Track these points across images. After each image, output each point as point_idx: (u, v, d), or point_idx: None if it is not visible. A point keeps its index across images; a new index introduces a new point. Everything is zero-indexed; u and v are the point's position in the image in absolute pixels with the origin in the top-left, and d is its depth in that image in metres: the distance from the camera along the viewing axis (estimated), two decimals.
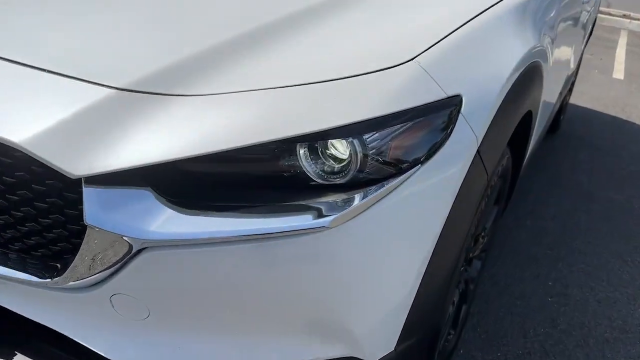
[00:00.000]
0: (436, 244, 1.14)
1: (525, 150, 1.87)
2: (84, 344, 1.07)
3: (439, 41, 1.15)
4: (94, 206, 0.90)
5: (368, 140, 0.99)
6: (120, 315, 1.04)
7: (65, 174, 0.88)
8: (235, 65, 1.01)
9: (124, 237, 0.90)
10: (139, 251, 0.93)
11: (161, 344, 1.06)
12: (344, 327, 1.07)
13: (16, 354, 1.17)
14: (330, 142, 0.99)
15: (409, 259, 1.11)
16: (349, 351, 1.11)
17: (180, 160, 0.91)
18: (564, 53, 2.39)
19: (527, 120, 1.71)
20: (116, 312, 1.04)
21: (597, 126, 4.63)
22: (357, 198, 0.98)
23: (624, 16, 9.63)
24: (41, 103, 0.93)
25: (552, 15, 1.89)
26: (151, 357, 1.06)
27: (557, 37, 2.00)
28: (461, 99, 1.13)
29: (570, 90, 4.24)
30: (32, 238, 1.04)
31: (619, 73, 6.45)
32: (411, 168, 1.03)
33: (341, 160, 1.00)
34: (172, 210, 0.93)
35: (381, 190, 1.00)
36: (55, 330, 1.09)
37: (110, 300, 1.02)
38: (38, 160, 0.90)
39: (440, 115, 1.08)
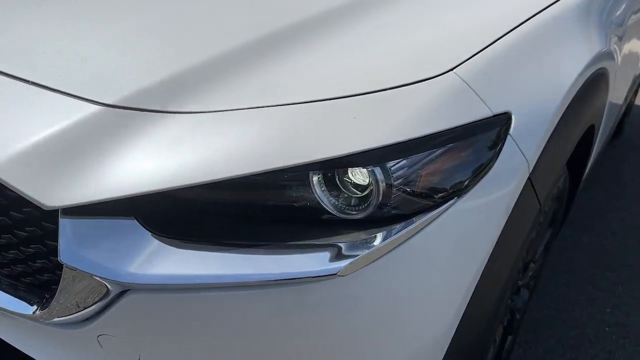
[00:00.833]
0: (476, 285, 0.97)
1: (585, 167, 1.65)
2: None
3: (484, 49, 0.97)
4: (70, 241, 0.78)
5: (393, 168, 0.83)
6: (109, 356, 0.93)
7: (37, 204, 0.77)
8: (239, 78, 0.87)
9: (102, 280, 0.78)
10: (122, 292, 0.81)
11: None
12: None
13: None
14: (350, 169, 0.84)
15: (443, 302, 0.95)
16: None
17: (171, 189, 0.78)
18: (633, 51, 2.13)
19: (589, 134, 1.50)
20: (105, 352, 0.93)
21: None
22: (379, 238, 0.82)
23: None
24: (18, 120, 0.82)
25: (621, 9, 1.65)
26: None
27: (626, 34, 1.77)
28: (510, 117, 0.95)
29: (637, 91, 3.91)
30: (19, 266, 0.94)
31: None
32: (446, 202, 0.87)
33: (361, 191, 0.84)
34: (159, 247, 0.80)
35: (409, 228, 0.84)
36: None
37: (98, 340, 0.91)
38: None
39: (484, 138, 0.91)
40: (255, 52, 0.91)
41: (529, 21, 1.08)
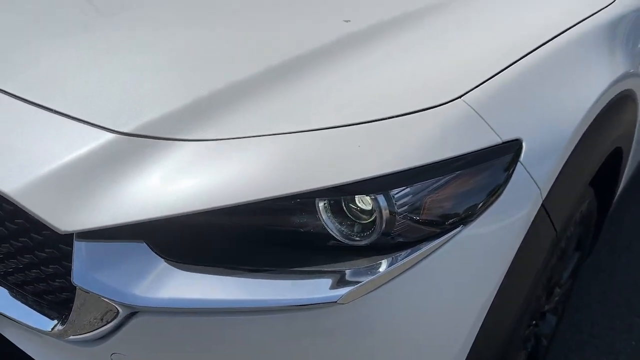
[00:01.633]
0: (486, 314, 0.96)
1: (615, 189, 1.61)
2: None
3: (495, 75, 0.96)
4: (83, 264, 0.82)
5: (397, 196, 0.83)
6: None
7: (53, 228, 0.81)
8: (248, 107, 0.90)
9: (111, 302, 0.81)
10: (132, 314, 0.84)
11: None
12: None
13: None
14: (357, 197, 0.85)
15: (450, 332, 0.94)
16: None
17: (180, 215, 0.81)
18: None
19: (616, 157, 1.46)
20: None
21: None
22: (383, 265, 0.83)
23: None
24: (36, 146, 0.86)
25: None
26: None
27: None
28: (521, 144, 0.94)
29: None
30: (40, 284, 0.98)
31: None
32: (452, 229, 0.86)
33: (365, 217, 0.85)
34: (166, 270, 0.83)
35: (414, 255, 0.84)
36: None
37: (111, 358, 0.94)
38: None
39: (492, 166, 0.91)
40: (264, 82, 0.94)
41: (544, 46, 1.07)
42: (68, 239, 0.85)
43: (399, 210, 0.83)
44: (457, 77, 0.96)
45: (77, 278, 0.82)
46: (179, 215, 0.80)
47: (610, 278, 2.47)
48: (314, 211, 0.84)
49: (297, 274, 0.82)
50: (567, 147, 1.01)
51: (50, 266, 0.92)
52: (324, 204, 0.85)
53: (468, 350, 0.97)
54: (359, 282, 0.79)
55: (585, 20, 1.22)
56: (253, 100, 0.91)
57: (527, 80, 1.00)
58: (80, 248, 0.82)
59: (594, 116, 1.09)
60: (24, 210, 0.87)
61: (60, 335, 0.94)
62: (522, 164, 0.93)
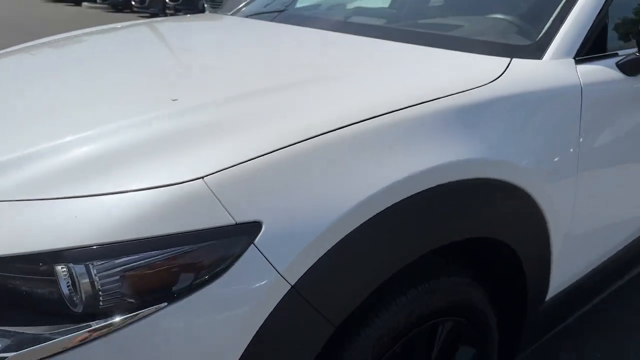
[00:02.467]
0: None
1: (524, 285, 1.44)
2: None
3: (249, 160, 0.99)
4: None
5: (98, 267, 0.88)
6: None
7: None
8: None
9: None
10: None
11: None
12: None
13: None
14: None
15: None
16: None
17: None
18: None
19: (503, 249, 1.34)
20: None
21: None
22: (61, 335, 0.87)
23: None
24: None
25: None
26: None
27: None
28: (260, 227, 0.94)
29: None
30: None
31: None
32: (153, 305, 0.89)
33: (73, 286, 0.90)
34: None
35: (104, 324, 0.88)
36: None
37: None
38: None
39: (216, 245, 0.92)
40: None
41: (323, 135, 1.06)
42: None
43: (97, 282, 0.88)
44: (213, 159, 0.99)
45: None
46: None
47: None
48: (33, 276, 0.91)
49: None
50: (324, 237, 0.97)
51: None
52: (61, 267, 0.92)
53: None
54: (24, 349, 0.84)
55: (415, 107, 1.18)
56: None
57: (290, 167, 1.00)
58: None
59: (384, 207, 1.03)
60: None
61: None
62: (256, 246, 0.93)
